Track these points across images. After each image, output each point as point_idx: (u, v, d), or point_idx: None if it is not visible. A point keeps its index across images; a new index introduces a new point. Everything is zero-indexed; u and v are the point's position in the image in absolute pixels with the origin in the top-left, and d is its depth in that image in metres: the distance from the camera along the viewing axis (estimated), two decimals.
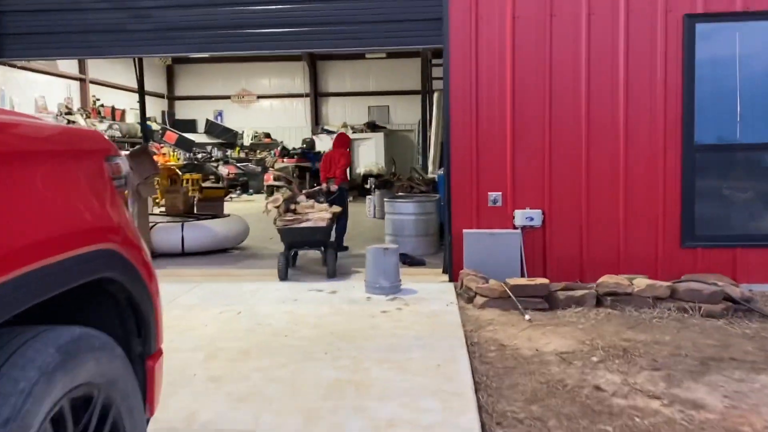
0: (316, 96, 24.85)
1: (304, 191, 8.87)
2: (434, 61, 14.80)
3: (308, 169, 18.72)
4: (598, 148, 6.69)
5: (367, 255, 6.46)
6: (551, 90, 6.72)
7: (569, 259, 6.79)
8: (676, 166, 6.64)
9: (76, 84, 20.12)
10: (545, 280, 5.94)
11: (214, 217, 9.09)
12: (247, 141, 24.84)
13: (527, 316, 5.55)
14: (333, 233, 8.21)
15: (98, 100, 20.82)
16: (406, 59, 23.78)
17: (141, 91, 10.97)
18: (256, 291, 6.65)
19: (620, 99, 6.63)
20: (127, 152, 8.57)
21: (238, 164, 22.52)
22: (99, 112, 20.89)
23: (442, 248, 8.82)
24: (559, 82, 6.70)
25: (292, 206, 8.07)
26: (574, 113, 6.71)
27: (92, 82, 20.65)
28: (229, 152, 24.28)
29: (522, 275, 6.67)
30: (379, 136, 23.20)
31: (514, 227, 6.80)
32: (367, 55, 23.13)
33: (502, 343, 5.03)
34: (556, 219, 6.79)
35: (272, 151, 22.28)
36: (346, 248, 9.26)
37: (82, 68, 20.26)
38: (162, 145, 21.74)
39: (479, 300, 5.95)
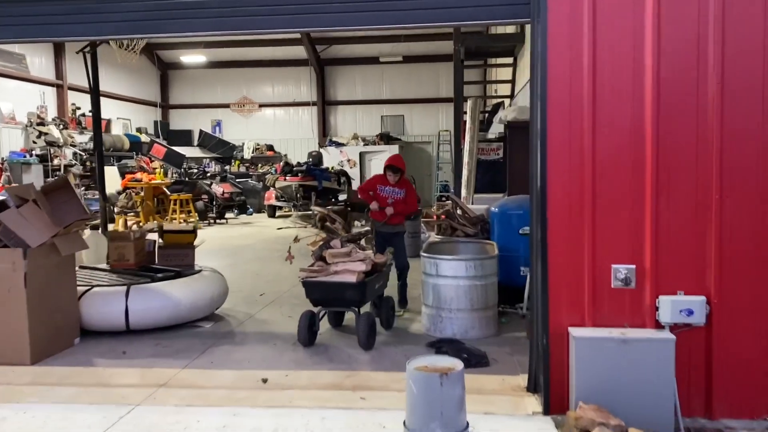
0: (324, 104, 22.07)
1: (344, 235, 6.20)
2: (466, 62, 11.91)
3: (314, 188, 15.86)
4: None
5: (409, 382, 3.58)
6: (722, 94, 3.84)
7: (752, 380, 3.90)
8: None
9: (51, 90, 17.37)
10: None
11: (177, 274, 6.25)
12: (247, 154, 22.07)
13: None
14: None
15: (78, 108, 18.05)
16: (424, 63, 21.00)
17: (95, 92, 8.16)
18: None
19: None
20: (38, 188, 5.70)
21: (237, 180, 19.70)
22: (79, 122, 18.12)
23: (503, 322, 6.00)
24: (736, 82, 3.83)
25: (325, 252, 5.69)
26: (762, 129, 3.83)
27: (71, 88, 17.86)
28: (227, 167, 21.49)
29: (675, 414, 3.78)
30: (394, 149, 20.42)
31: (659, 325, 3.92)
32: (381, 59, 20.33)
33: None
34: (729, 311, 3.89)
35: (273, 167, 19.44)
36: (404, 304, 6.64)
37: (59, 72, 17.52)
38: (152, 159, 18.99)
39: None
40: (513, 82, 11.75)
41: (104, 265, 6.71)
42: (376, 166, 20.48)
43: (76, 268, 6.68)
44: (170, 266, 6.56)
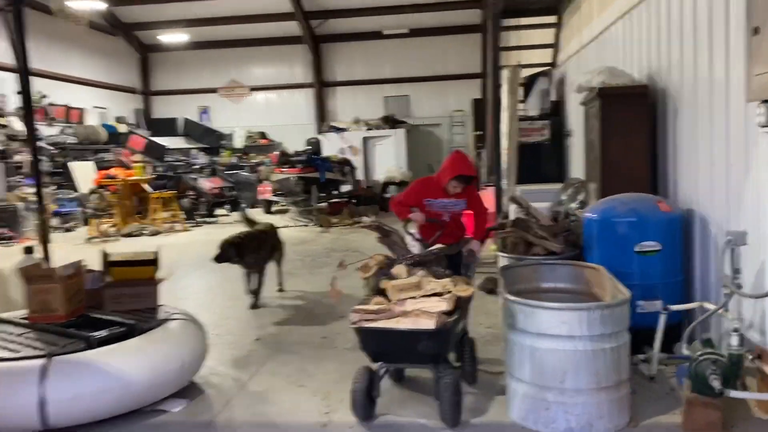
0: (321, 86, 19.74)
1: (408, 256, 4.10)
2: (505, 23, 9.59)
3: (315, 180, 13.65)
4: None
5: None
6: None
7: None
8: None
9: (11, 77, 14.97)
10: None
11: (129, 330, 4.09)
12: (238, 143, 19.78)
13: None
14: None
15: (44, 96, 15.69)
16: (430, 37, 18.67)
17: (24, 65, 5.98)
18: None
19: None
20: None
21: (228, 172, 17.47)
22: (47, 113, 15.81)
23: (641, 399, 3.85)
24: None
25: (384, 283, 3.83)
26: None
27: (37, 74, 15.49)
28: (217, 158, 19.22)
29: None
30: (400, 133, 18.24)
31: None
32: (384, 32, 17.98)
33: None
34: None
35: (268, 157, 17.18)
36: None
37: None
38: (133, 152, 16.70)
39: None
40: (556, 46, 9.52)
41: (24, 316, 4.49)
42: (381, 153, 18.27)
43: None
44: (122, 313, 4.37)
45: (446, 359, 3.70)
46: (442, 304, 3.53)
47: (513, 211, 6.63)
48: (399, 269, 3.82)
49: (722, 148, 3.94)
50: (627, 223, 4.43)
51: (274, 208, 16.31)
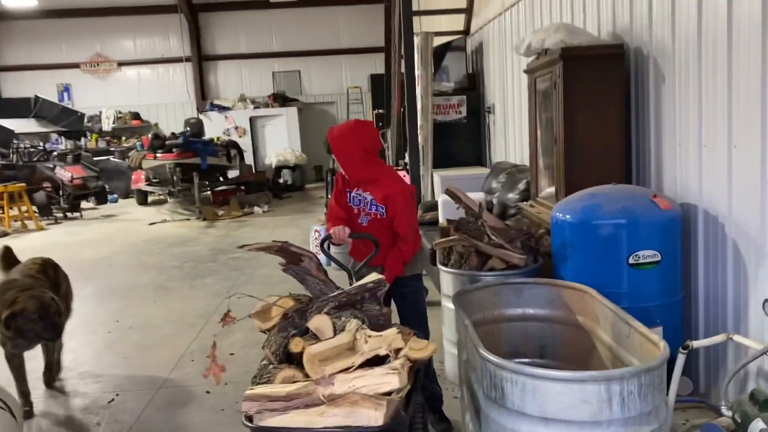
0: (201, 60, 17.63)
1: (331, 296, 2.58)
2: None
3: (195, 167, 11.81)
4: None
5: None
6: None
7: None
8: None
9: None
10: None
11: None
12: (107, 125, 17.34)
13: None
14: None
15: None
16: (319, 8, 17.08)
17: None
18: None
19: None
20: None
21: (96, 159, 15.14)
22: None
23: None
24: None
25: (295, 344, 2.33)
26: None
27: None
28: (83, 143, 16.74)
29: None
30: (292, 112, 16.67)
31: None
32: (270, 0, 16.13)
33: None
34: None
35: (140, 140, 14.97)
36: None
37: None
38: None
39: None
40: (470, 11, 8.36)
41: None
42: (272, 134, 16.63)
43: None
44: None
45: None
46: (392, 379, 2.19)
47: (443, 208, 5.40)
48: (320, 321, 2.42)
49: (755, 123, 2.86)
50: (615, 226, 3.29)
51: (150, 199, 14.30)
